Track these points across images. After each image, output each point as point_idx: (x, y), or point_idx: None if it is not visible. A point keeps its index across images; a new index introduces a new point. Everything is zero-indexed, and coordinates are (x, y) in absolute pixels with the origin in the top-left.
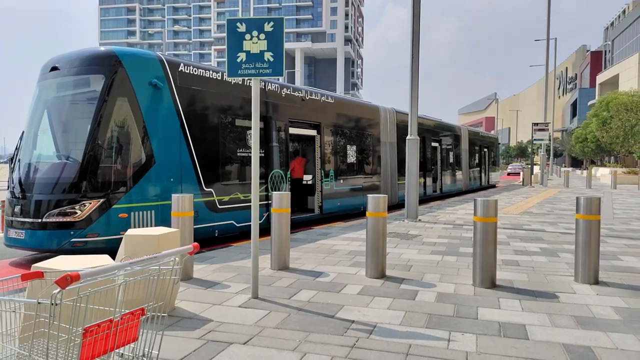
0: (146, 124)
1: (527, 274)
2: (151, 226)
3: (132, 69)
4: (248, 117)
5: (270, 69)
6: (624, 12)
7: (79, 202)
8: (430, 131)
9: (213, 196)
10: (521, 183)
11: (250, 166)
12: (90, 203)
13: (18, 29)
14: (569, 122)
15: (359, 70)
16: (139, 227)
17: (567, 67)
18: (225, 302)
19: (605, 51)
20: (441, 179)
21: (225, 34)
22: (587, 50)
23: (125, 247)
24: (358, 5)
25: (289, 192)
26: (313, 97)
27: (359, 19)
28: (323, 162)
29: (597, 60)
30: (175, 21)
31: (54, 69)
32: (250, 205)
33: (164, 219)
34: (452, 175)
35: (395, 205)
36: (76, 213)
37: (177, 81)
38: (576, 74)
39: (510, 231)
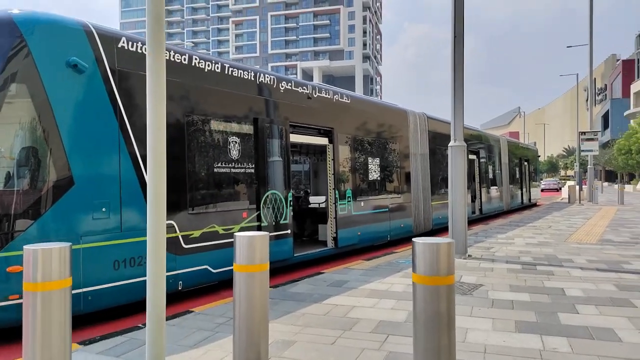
0: (59, 124)
1: None
2: None
3: (39, 43)
4: (232, 117)
5: None
6: None
7: None
8: (466, 141)
9: (175, 231)
10: (566, 200)
11: (236, 185)
12: None
13: None
14: (601, 134)
15: (378, 87)
16: None
17: (595, 78)
18: None
19: (638, 59)
20: (480, 198)
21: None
22: (618, 60)
23: None
24: (376, 23)
25: (267, 234)
26: (323, 94)
27: (377, 37)
28: (338, 180)
29: (630, 69)
30: (196, 45)
31: None
32: (232, 242)
33: (91, 272)
34: (492, 192)
35: (429, 232)
36: None
37: (114, 63)
38: (606, 85)
39: (610, 275)
